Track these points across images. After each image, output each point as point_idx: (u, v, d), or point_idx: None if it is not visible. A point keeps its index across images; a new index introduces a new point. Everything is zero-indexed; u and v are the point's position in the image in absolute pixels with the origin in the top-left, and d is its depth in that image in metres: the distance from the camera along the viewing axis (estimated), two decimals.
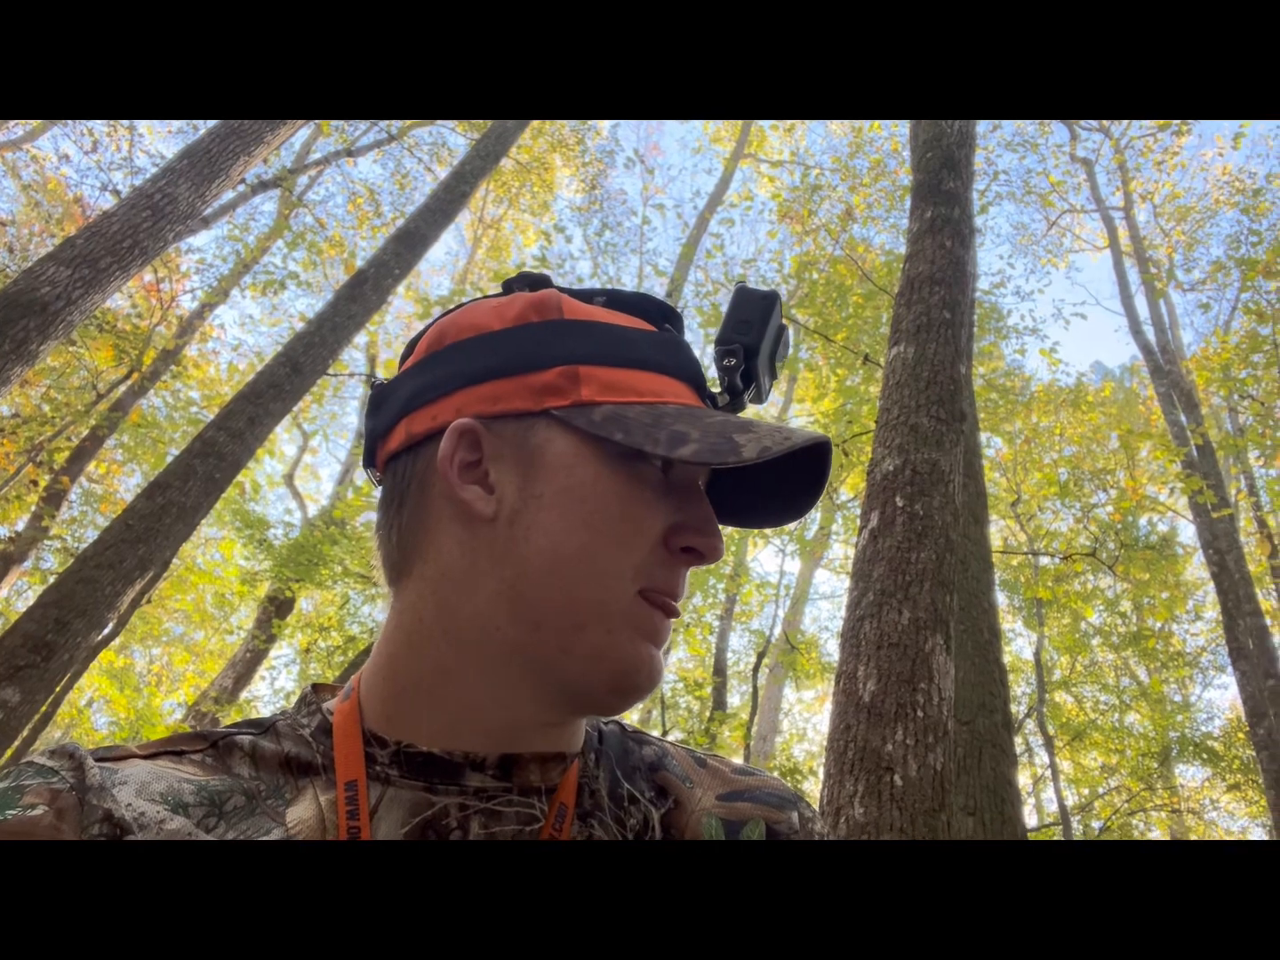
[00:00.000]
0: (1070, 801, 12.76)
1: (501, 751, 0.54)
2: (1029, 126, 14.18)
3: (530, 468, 0.54)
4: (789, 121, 15.20)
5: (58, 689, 6.66)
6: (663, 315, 0.62)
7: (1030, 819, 13.22)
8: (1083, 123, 14.47)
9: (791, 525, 12.09)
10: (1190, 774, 13.59)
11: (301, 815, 0.51)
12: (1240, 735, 11.39)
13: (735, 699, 13.51)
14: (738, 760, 0.68)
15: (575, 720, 0.57)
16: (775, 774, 0.78)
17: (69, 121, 10.86)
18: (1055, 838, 11.55)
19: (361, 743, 0.54)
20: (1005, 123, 13.58)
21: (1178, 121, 13.15)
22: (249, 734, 0.56)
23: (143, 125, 11.57)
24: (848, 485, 10.66)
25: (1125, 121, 14.20)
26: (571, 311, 0.58)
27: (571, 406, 0.54)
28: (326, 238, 12.14)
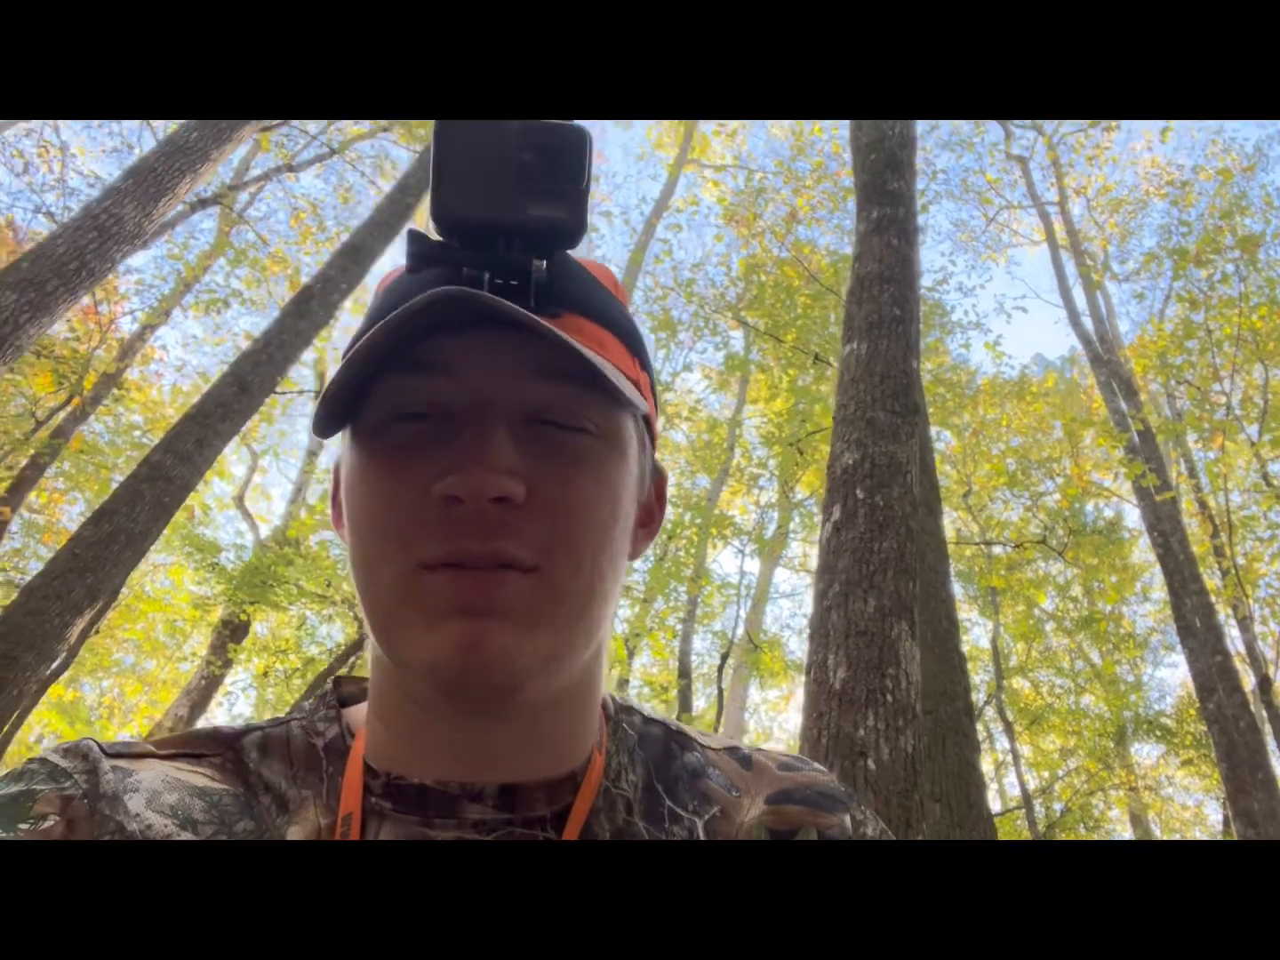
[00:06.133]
0: (1032, 785, 13.01)
1: (501, 781, 0.50)
2: (964, 126, 14.49)
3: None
4: (730, 126, 15.35)
5: (6, 727, 6.46)
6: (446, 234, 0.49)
7: (994, 804, 13.45)
8: (1016, 121, 14.84)
9: (743, 519, 12.08)
10: (1145, 752, 13.96)
11: (302, 839, 0.50)
12: (1191, 711, 11.71)
13: (701, 701, 13.54)
14: (784, 752, 0.64)
15: (530, 731, 0.51)
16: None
17: None
18: (1019, 821, 11.77)
19: (361, 772, 0.51)
20: (942, 123, 13.86)
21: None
22: (261, 734, 0.55)
23: (75, 145, 11.31)
24: (803, 484, 10.77)
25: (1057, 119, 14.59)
26: (382, 285, 0.55)
27: None
28: (269, 254, 11.96)
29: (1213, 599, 9.44)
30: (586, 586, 0.47)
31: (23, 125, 11.11)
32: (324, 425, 0.48)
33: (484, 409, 0.47)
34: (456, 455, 0.45)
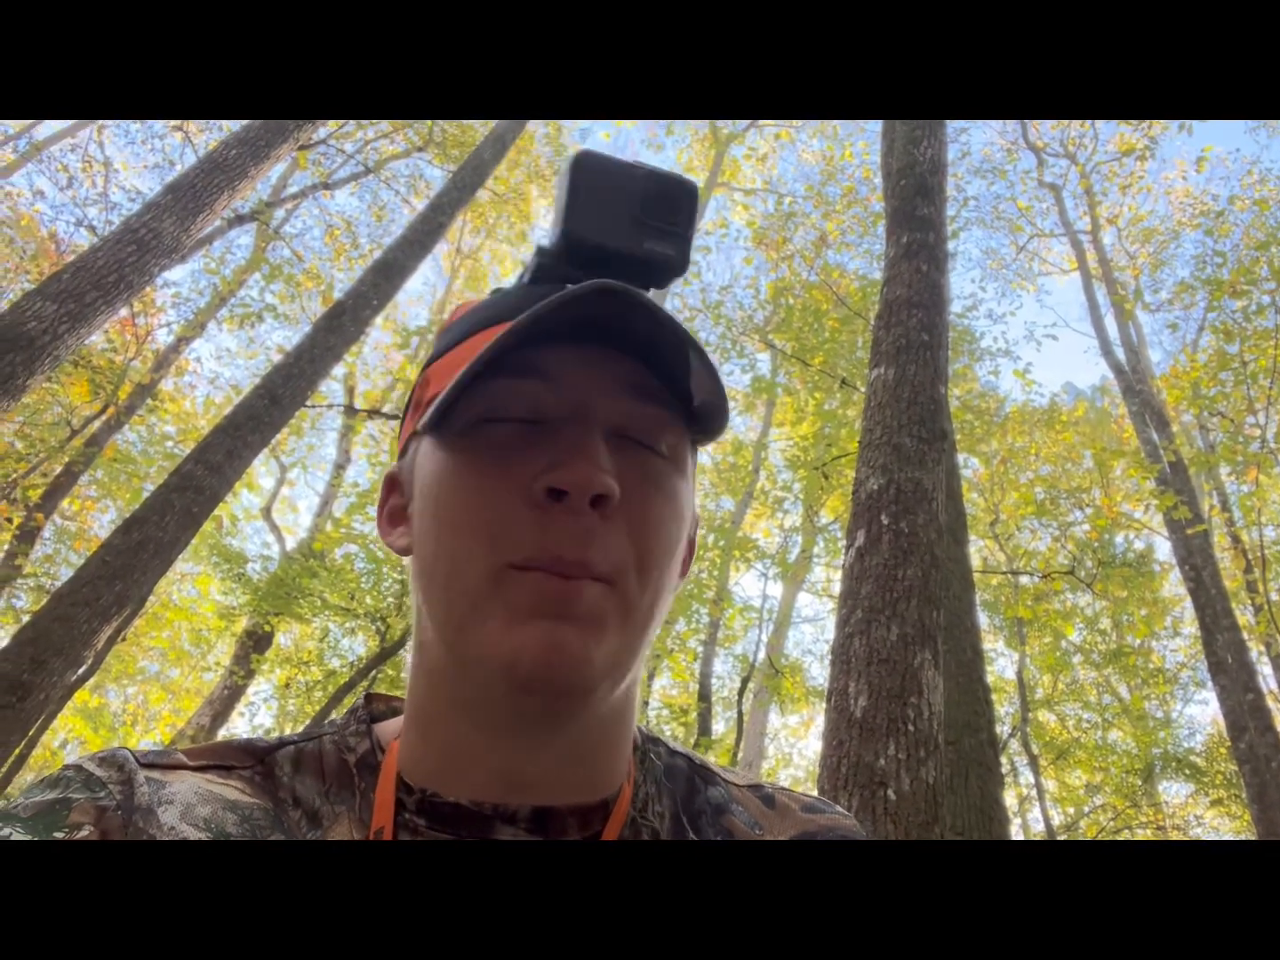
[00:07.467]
0: (1056, 820, 12.77)
1: (534, 804, 0.50)
2: (997, 153, 14.47)
3: (413, 489, 0.53)
4: (761, 150, 15.43)
5: (32, 731, 6.52)
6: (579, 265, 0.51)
7: (1017, 838, 13.20)
8: (1049, 149, 14.79)
9: (767, 543, 12.00)
10: (1174, 790, 13.65)
11: None
12: (1222, 750, 11.47)
13: (720, 725, 13.45)
14: (806, 793, 0.64)
15: (570, 751, 0.51)
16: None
17: (44, 157, 10.84)
18: None
19: (394, 788, 0.51)
20: (974, 149, 13.84)
21: (1141, 147, 13.47)
22: (294, 749, 0.55)
23: (118, 160, 11.57)
24: (828, 508, 10.72)
25: (1090, 147, 14.53)
26: (456, 314, 0.57)
27: (422, 413, 0.51)
28: (304, 270, 12.15)
29: (1245, 636, 9.26)
30: (650, 601, 0.49)
31: (68, 140, 11.39)
32: (435, 420, 0.48)
33: (583, 415, 0.48)
34: (560, 452, 0.46)
